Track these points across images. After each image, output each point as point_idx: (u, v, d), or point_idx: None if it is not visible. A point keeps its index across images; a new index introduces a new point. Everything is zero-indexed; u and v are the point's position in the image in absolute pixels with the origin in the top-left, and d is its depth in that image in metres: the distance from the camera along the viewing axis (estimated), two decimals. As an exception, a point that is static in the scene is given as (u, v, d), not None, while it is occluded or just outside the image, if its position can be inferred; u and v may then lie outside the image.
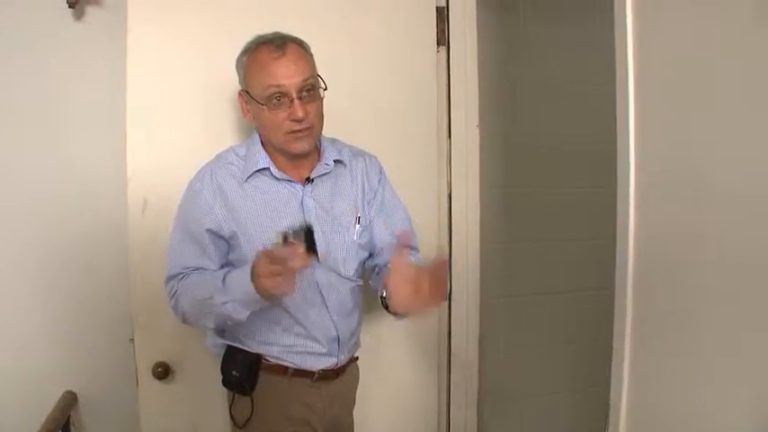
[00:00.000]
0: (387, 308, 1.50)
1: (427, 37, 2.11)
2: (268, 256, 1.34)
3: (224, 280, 1.48)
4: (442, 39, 2.14)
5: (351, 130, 1.76)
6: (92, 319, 2.06)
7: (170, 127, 1.82)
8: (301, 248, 1.32)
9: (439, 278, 1.41)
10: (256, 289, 1.39)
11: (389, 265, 1.44)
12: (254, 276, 1.38)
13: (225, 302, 1.45)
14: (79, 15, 1.99)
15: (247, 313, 1.48)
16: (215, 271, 1.56)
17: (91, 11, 2.00)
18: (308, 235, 1.35)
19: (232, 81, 1.76)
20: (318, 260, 1.45)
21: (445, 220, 2.19)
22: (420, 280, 1.39)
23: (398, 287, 1.41)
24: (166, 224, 1.70)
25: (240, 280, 1.43)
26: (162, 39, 1.80)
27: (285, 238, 1.34)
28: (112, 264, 1.99)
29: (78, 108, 2.02)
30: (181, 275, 1.57)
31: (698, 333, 1.24)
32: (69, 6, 1.93)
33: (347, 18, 1.97)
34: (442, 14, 2.14)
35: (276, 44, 1.49)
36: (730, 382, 1.17)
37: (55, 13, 1.96)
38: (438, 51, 2.13)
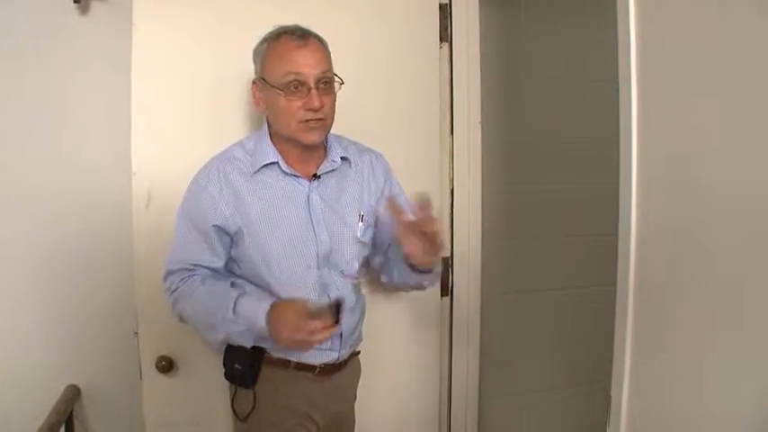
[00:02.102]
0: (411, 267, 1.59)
1: (430, 34, 2.12)
2: (303, 330, 1.43)
3: (234, 309, 1.50)
4: (445, 35, 2.15)
5: (353, 126, 1.76)
6: (95, 313, 2.07)
7: (175, 121, 1.82)
8: (330, 321, 1.45)
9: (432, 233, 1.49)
10: (269, 332, 1.47)
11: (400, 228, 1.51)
12: (273, 321, 1.46)
13: (233, 332, 1.53)
14: (84, 10, 1.99)
15: (252, 340, 1.55)
16: (223, 285, 1.57)
17: (96, 6, 2.00)
18: (337, 308, 1.50)
19: (237, 75, 1.78)
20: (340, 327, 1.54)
21: (447, 217, 2.21)
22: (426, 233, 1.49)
23: (416, 246, 1.50)
24: (171, 219, 1.71)
25: (252, 316, 1.49)
26: (167, 33, 1.80)
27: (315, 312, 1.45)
28: (117, 258, 1.99)
29: (83, 102, 2.02)
30: (183, 274, 1.58)
31: (700, 329, 1.24)
32: (74, 1, 1.94)
33: (350, 14, 1.97)
34: (445, 11, 2.14)
35: (298, 35, 1.51)
36: (731, 379, 1.17)
37: (60, 7, 1.96)
38: (441, 48, 2.14)
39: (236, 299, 1.51)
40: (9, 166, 1.99)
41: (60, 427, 1.86)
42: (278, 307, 1.48)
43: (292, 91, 1.50)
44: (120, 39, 1.83)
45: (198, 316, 1.57)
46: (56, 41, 1.99)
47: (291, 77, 1.49)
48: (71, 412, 2.00)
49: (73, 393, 2.03)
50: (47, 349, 2.05)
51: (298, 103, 1.51)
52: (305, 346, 1.48)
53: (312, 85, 1.50)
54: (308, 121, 1.52)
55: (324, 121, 1.54)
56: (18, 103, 1.99)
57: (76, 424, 2.06)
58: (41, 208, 2.02)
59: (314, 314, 1.44)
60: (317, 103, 1.49)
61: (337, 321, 1.48)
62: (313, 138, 1.54)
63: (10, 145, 1.99)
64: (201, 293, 1.54)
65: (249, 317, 1.49)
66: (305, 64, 1.49)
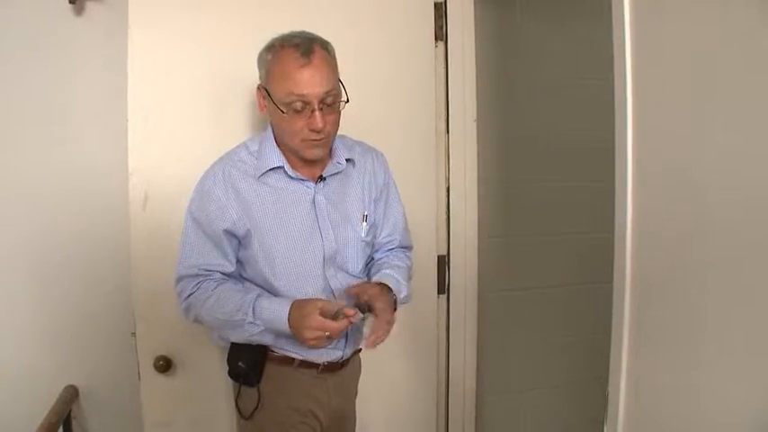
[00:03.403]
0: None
1: (425, 32, 2.12)
2: (325, 326, 1.44)
3: (254, 309, 1.50)
4: (440, 34, 2.16)
5: (350, 125, 1.75)
6: (93, 313, 2.07)
7: (171, 122, 1.82)
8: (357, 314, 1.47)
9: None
10: (291, 330, 1.47)
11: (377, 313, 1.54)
12: (299, 334, 1.46)
13: (253, 333, 1.51)
14: (79, 11, 1.99)
15: (272, 337, 1.54)
16: (238, 288, 1.57)
17: (91, 6, 2.00)
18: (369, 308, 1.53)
19: (233, 77, 1.78)
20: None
21: (443, 214, 2.22)
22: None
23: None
24: (167, 219, 1.71)
25: (273, 315, 1.49)
26: (163, 35, 1.80)
27: (337, 315, 1.46)
28: (114, 259, 1.99)
29: (79, 103, 2.02)
30: (196, 279, 1.56)
31: (695, 326, 1.25)
32: (69, 2, 1.94)
33: (346, 14, 1.97)
34: (440, 10, 2.15)
35: (302, 50, 1.45)
36: (727, 375, 1.18)
37: (55, 8, 1.96)
38: (436, 47, 2.15)
39: (255, 301, 1.51)
40: (5, 166, 1.99)
41: (58, 427, 1.86)
42: (300, 307, 1.47)
43: (295, 111, 1.47)
44: (116, 39, 1.83)
45: (215, 320, 1.56)
46: (51, 42, 1.99)
47: (294, 98, 1.45)
48: (69, 413, 2.00)
49: (71, 394, 2.03)
50: (45, 350, 2.05)
51: (301, 123, 1.47)
52: (326, 343, 1.49)
53: (315, 105, 1.45)
54: (310, 139, 1.49)
55: (327, 138, 1.52)
56: (13, 103, 1.98)
57: (75, 424, 2.06)
58: (39, 209, 2.02)
59: (335, 315, 1.45)
60: (319, 125, 1.46)
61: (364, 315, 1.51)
62: (316, 154, 1.53)
63: (6, 145, 1.99)
64: (217, 298, 1.53)
65: (270, 317, 1.49)
66: (308, 84, 1.44)
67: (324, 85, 1.46)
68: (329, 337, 1.46)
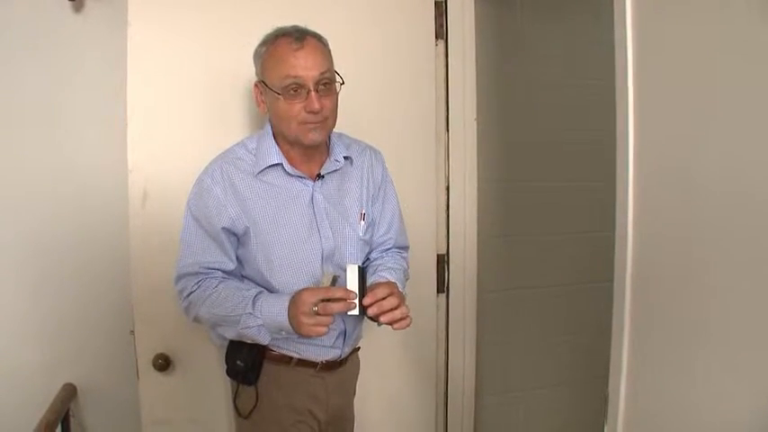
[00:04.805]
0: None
1: (426, 31, 2.12)
2: (318, 295, 1.43)
3: (254, 304, 1.49)
4: (441, 33, 2.15)
5: (349, 124, 1.76)
6: (92, 311, 2.07)
7: (170, 119, 1.82)
8: (354, 294, 1.44)
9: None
10: (292, 326, 1.45)
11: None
12: (294, 316, 1.44)
13: (251, 327, 1.50)
14: (78, 8, 1.99)
15: (270, 338, 1.53)
16: (240, 284, 1.57)
17: (90, 4, 2.00)
18: (361, 274, 1.49)
19: (233, 73, 1.77)
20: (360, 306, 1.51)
21: (443, 214, 2.21)
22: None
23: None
24: (167, 216, 1.71)
25: (274, 311, 1.48)
26: (162, 32, 1.80)
27: (335, 280, 1.45)
28: (113, 256, 1.99)
29: (78, 101, 2.02)
30: (197, 277, 1.56)
31: (695, 325, 1.25)
32: (68, -1, 1.94)
33: (346, 13, 1.97)
34: (441, 9, 2.15)
35: (295, 36, 1.49)
36: (727, 375, 1.18)
37: (54, 6, 1.96)
38: (437, 45, 2.14)
39: (257, 295, 1.51)
40: (4, 164, 1.99)
41: (57, 425, 1.86)
42: (296, 297, 1.46)
43: (291, 94, 1.49)
44: (115, 36, 1.83)
45: (213, 317, 1.55)
46: (50, 39, 1.99)
47: (290, 81, 1.47)
48: (67, 411, 2.00)
49: (69, 392, 2.03)
50: (43, 348, 2.05)
51: (298, 106, 1.49)
52: (321, 326, 1.43)
53: (311, 87, 1.48)
54: (308, 123, 1.50)
55: (324, 122, 1.53)
56: (13, 100, 1.98)
57: (73, 422, 2.06)
58: (38, 206, 2.01)
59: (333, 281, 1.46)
60: (316, 106, 1.48)
61: (362, 290, 1.47)
62: (314, 138, 1.53)
63: (5, 143, 1.98)
64: (218, 294, 1.53)
65: (269, 309, 1.48)
66: (303, 66, 1.47)
67: (318, 68, 1.49)
68: (322, 315, 1.42)
